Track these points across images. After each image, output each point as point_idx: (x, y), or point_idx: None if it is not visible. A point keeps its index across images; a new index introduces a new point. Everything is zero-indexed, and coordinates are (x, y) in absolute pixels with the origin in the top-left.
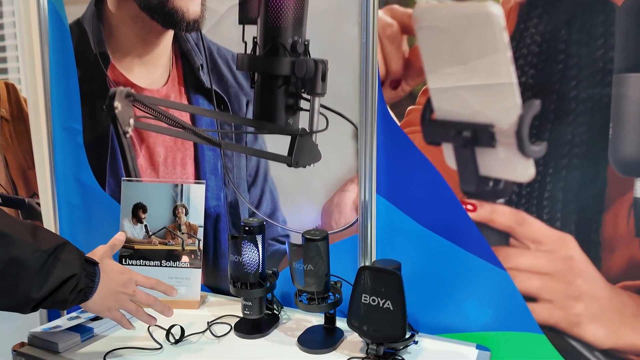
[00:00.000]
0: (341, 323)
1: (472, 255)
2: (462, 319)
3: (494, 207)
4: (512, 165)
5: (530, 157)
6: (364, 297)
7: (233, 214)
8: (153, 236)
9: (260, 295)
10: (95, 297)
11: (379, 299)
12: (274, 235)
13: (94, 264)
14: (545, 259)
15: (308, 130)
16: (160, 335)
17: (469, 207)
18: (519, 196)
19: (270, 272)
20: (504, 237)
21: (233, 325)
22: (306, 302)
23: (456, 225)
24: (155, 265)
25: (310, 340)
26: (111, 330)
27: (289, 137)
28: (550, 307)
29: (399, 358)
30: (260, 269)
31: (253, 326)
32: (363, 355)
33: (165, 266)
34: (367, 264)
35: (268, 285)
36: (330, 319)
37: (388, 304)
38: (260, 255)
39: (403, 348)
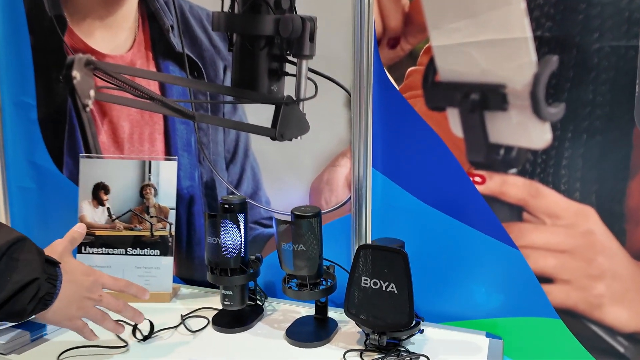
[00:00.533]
0: (334, 313)
1: (480, 234)
2: (469, 304)
3: (506, 178)
4: (526, 130)
5: (546, 120)
6: (364, 280)
7: (209, 196)
8: (117, 220)
9: (243, 282)
10: (55, 305)
11: (381, 282)
12: (256, 217)
13: (54, 264)
14: (563, 235)
15: (294, 98)
16: (125, 331)
17: (477, 179)
18: (533, 165)
19: (254, 257)
20: (517, 211)
21: (211, 319)
22: (296, 288)
23: (462, 201)
24: (120, 254)
25: (300, 332)
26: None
27: (273, 107)
28: (567, 289)
29: (403, 350)
30: (243, 253)
31: (234, 318)
32: (361, 347)
33: (132, 254)
34: None
35: (251, 271)
36: (321, 309)
37: (392, 287)
38: (243, 237)
39: (407, 338)
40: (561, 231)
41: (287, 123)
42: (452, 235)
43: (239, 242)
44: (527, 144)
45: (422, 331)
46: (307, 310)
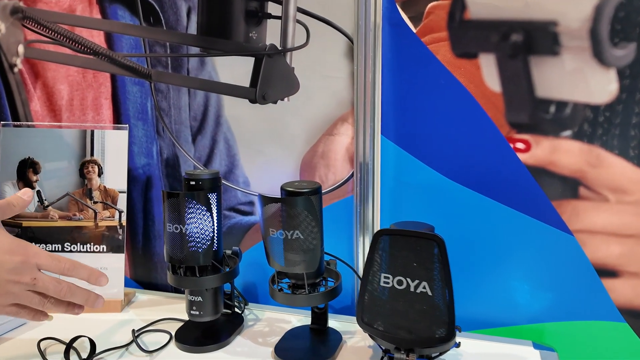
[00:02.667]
0: (334, 322)
1: (522, 215)
2: (508, 307)
3: (557, 143)
4: (585, 79)
5: (611, 66)
6: (384, 278)
7: (171, 176)
8: (50, 207)
9: (216, 285)
10: None
11: (409, 280)
12: (231, 203)
13: None
14: (631, 215)
15: (279, 48)
16: (55, 352)
17: (520, 145)
18: (593, 125)
19: (229, 252)
20: (571, 186)
21: (173, 334)
22: (289, 290)
23: (499, 174)
24: (56, 250)
25: (293, 349)
26: None
27: (252, 60)
28: (636, 283)
29: None
30: (215, 245)
31: (205, 333)
32: None
33: (71, 251)
34: (368, 237)
35: (227, 270)
36: (319, 317)
37: (424, 287)
38: (215, 224)
39: (438, 355)
40: (629, 210)
41: (271, 81)
42: (485, 219)
43: (211, 232)
44: (586, 97)
45: (458, 345)
46: (299, 318)
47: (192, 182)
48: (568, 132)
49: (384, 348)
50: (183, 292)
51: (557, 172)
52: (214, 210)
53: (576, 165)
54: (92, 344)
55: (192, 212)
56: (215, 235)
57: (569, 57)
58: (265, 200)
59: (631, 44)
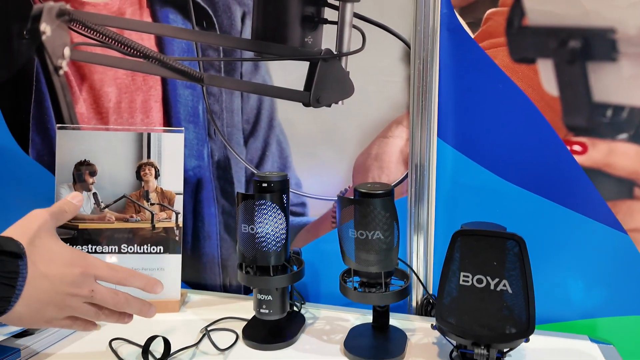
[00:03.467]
0: (393, 320)
1: (579, 215)
2: (562, 304)
3: (613, 145)
4: None
5: None
6: (464, 277)
7: (222, 179)
8: (107, 209)
9: (286, 284)
10: (18, 311)
11: (489, 279)
12: None
13: (14, 254)
14: None
15: (335, 53)
16: (131, 353)
17: (577, 147)
18: None
19: (292, 252)
20: (627, 187)
21: (241, 332)
22: (361, 289)
23: (557, 176)
24: (112, 252)
25: (362, 347)
26: (53, 347)
27: (307, 64)
28: None
29: None
30: (287, 246)
31: (271, 331)
32: None
33: (127, 252)
34: (422, 237)
35: (295, 269)
36: (382, 315)
37: (504, 285)
38: (286, 225)
39: (509, 350)
40: None
41: (325, 84)
42: (542, 219)
43: (284, 232)
44: None
45: (527, 340)
46: (356, 317)
47: (264, 184)
48: (624, 135)
49: (456, 344)
50: (234, 292)
51: (613, 174)
52: (287, 211)
53: (632, 167)
54: (167, 344)
55: (266, 213)
56: (287, 235)
57: (627, 63)
58: (347, 201)
59: None
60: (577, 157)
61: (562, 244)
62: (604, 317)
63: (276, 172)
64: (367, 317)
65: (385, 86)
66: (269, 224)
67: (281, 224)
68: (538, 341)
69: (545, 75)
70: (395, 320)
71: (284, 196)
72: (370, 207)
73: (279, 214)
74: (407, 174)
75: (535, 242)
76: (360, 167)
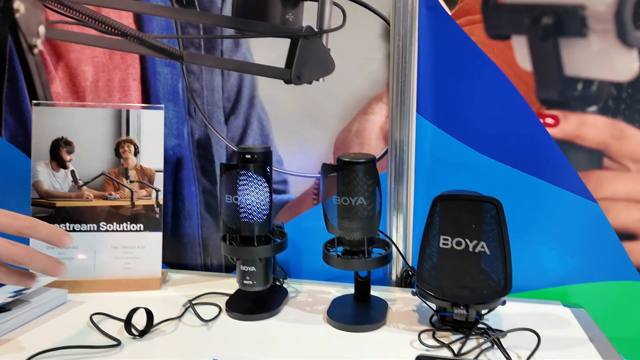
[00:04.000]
0: (373, 292)
1: (551, 186)
2: (536, 272)
3: (583, 118)
4: (610, 59)
5: (633, 46)
6: (444, 240)
7: (203, 157)
8: (85, 187)
9: (270, 254)
10: None
11: (467, 241)
12: None
13: None
14: None
15: (316, 30)
16: (112, 327)
17: (549, 120)
18: (617, 101)
19: (275, 226)
20: (596, 157)
21: (224, 305)
22: (344, 257)
23: (530, 148)
24: (91, 230)
25: (345, 315)
26: (31, 324)
27: (288, 41)
28: None
29: (484, 327)
30: (271, 218)
31: (254, 303)
32: (427, 327)
33: (107, 230)
34: (402, 211)
35: (279, 240)
36: (363, 286)
37: (482, 247)
38: (270, 196)
39: (487, 312)
40: None
41: (306, 62)
42: (517, 190)
43: (267, 202)
44: (610, 76)
45: (504, 303)
46: (337, 289)
47: (247, 156)
48: (594, 108)
49: (436, 308)
50: (213, 271)
51: (584, 145)
52: (271, 182)
53: (601, 138)
54: (149, 315)
55: (249, 184)
56: (271, 206)
57: (596, 38)
58: (330, 167)
59: None
60: (549, 130)
61: (537, 214)
62: (576, 284)
63: (261, 145)
64: (349, 289)
65: (366, 63)
66: (253, 195)
67: (264, 195)
68: (513, 307)
69: (520, 51)
70: (376, 292)
71: (268, 168)
72: (353, 174)
73: (262, 185)
74: (387, 150)
75: (512, 213)
76: (341, 144)
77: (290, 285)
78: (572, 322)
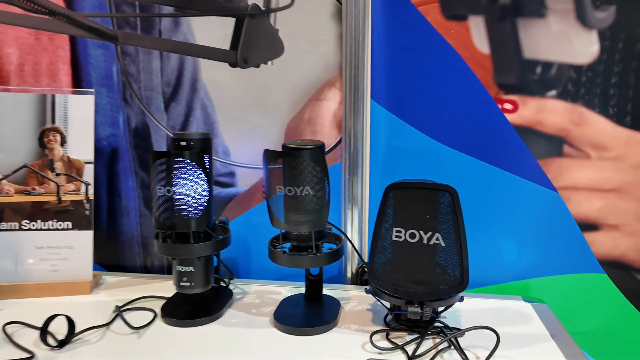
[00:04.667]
0: (326, 291)
1: (510, 175)
2: (496, 266)
3: (543, 103)
4: (569, 41)
5: (593, 28)
6: (397, 232)
7: (141, 148)
8: (4, 181)
9: (210, 252)
10: None
11: (421, 233)
12: None
13: None
14: (611, 170)
15: (263, 8)
16: (28, 337)
17: (508, 106)
18: (577, 85)
19: (217, 221)
20: (556, 144)
21: (160, 309)
22: (291, 253)
23: (488, 135)
24: (12, 229)
25: (294, 315)
26: None
27: (233, 21)
28: (615, 236)
29: (440, 326)
30: (209, 212)
31: (194, 307)
32: (381, 327)
33: (30, 229)
34: (357, 205)
35: (221, 237)
36: (315, 284)
37: (437, 239)
38: (209, 188)
39: (445, 309)
40: (608, 165)
41: (253, 43)
42: (475, 180)
43: (205, 194)
44: (570, 58)
45: (462, 299)
46: (288, 289)
47: (183, 143)
48: (553, 92)
49: (390, 306)
50: (154, 273)
51: (543, 131)
52: (209, 173)
53: (561, 124)
54: (70, 323)
55: (185, 173)
56: (210, 198)
57: (555, 19)
58: (272, 154)
59: (611, 7)
60: (508, 116)
61: (495, 205)
62: (536, 278)
63: (199, 132)
64: (300, 289)
65: (317, 45)
66: (188, 186)
67: (202, 187)
68: (472, 303)
69: (477, 32)
70: (330, 290)
71: (206, 156)
72: (299, 160)
73: (199, 175)
74: (341, 138)
75: (470, 204)
76: (292, 133)
77: (237, 285)
78: (533, 318)
